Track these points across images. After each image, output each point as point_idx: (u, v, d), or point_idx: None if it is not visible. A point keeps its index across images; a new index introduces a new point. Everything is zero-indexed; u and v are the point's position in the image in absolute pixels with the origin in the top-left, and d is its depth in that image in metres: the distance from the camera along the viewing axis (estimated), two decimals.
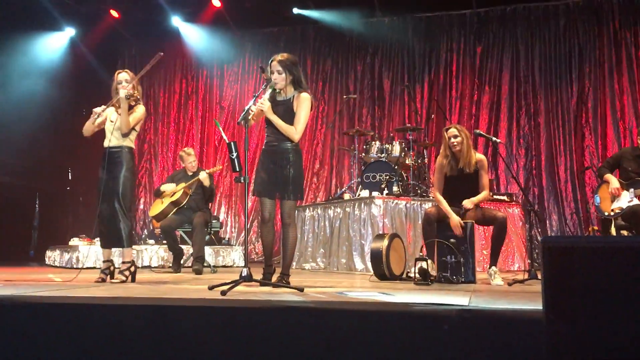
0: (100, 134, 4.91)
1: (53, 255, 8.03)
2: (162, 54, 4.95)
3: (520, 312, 2.59)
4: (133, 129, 4.83)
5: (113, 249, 4.93)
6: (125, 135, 4.76)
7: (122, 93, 4.65)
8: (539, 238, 8.63)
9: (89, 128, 4.87)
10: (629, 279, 1.80)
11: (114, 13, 9.91)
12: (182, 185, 6.52)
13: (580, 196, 8.90)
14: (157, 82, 11.28)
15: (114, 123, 4.77)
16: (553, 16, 9.52)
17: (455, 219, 4.82)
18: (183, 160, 6.78)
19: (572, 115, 9.21)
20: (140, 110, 4.86)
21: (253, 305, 2.95)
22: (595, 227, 7.24)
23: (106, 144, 4.76)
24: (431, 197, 6.73)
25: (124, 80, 4.78)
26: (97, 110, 4.83)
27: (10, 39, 8.97)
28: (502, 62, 9.72)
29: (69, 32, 10.30)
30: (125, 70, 4.94)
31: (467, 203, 4.88)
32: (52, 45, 10.16)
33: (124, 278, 4.70)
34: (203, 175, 6.44)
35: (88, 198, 10.02)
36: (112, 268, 4.84)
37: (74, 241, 7.99)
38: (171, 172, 9.40)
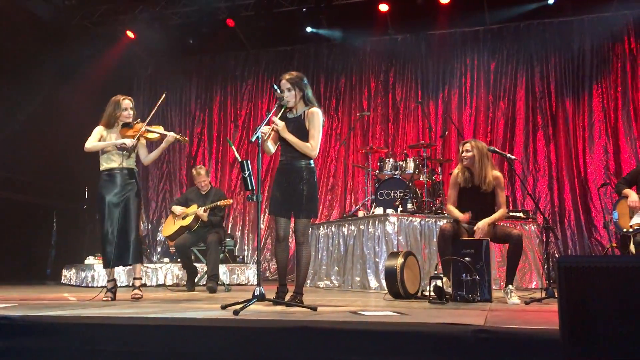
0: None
1: (69, 274, 8.07)
2: (165, 93, 5.48)
3: (537, 333, 2.54)
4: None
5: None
6: (134, 158, 5.03)
7: (129, 143, 4.89)
8: (557, 255, 8.52)
9: (94, 148, 4.97)
10: None
11: (130, 34, 10.04)
12: (194, 208, 6.50)
13: (598, 212, 8.78)
14: (173, 101, 11.38)
15: (131, 149, 4.96)
16: (567, 32, 9.48)
17: (462, 216, 4.90)
18: (195, 179, 6.78)
19: (588, 131, 9.13)
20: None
21: (266, 325, 2.92)
22: (614, 244, 7.13)
23: (114, 165, 4.91)
24: (446, 215, 6.68)
25: (129, 108, 5.01)
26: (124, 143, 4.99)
27: (28, 60, 9.12)
28: (517, 78, 9.68)
29: (86, 53, 10.44)
30: (129, 97, 5.10)
31: (480, 224, 4.82)
32: (70, 66, 10.30)
33: (141, 293, 4.90)
34: (200, 212, 6.42)
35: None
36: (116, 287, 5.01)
37: (89, 260, 8.03)
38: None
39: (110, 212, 4.87)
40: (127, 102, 5.01)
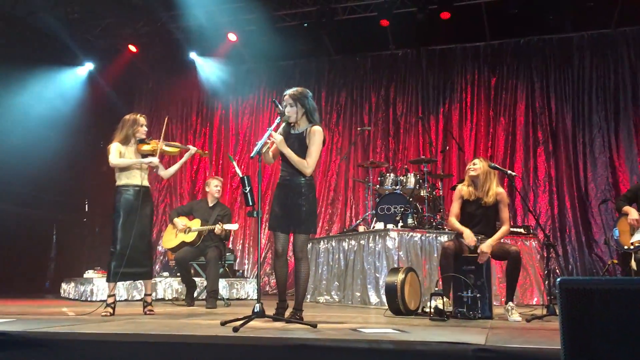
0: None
1: (68, 288, 8.03)
2: (168, 116, 6.12)
3: (538, 352, 2.52)
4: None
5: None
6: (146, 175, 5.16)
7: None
8: (557, 271, 8.49)
9: (121, 164, 5.04)
10: None
11: (132, 48, 10.10)
12: (198, 225, 6.46)
13: (599, 228, 8.75)
14: (174, 115, 11.40)
15: (156, 166, 5.15)
16: (568, 48, 9.52)
17: (468, 233, 4.84)
18: (208, 185, 6.73)
19: (588, 147, 9.14)
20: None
21: (265, 342, 2.90)
22: (615, 261, 7.11)
23: (136, 182, 5.02)
24: (447, 230, 6.66)
25: (145, 125, 5.17)
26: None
27: (30, 73, 9.16)
28: (517, 94, 9.71)
29: (88, 67, 10.51)
30: (143, 115, 5.26)
31: (484, 247, 4.78)
32: (72, 79, 10.35)
33: (154, 310, 5.09)
34: (218, 229, 6.36)
35: (104, 230, 10.07)
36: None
37: (88, 274, 7.99)
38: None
39: (125, 228, 4.90)
40: (143, 119, 5.16)
